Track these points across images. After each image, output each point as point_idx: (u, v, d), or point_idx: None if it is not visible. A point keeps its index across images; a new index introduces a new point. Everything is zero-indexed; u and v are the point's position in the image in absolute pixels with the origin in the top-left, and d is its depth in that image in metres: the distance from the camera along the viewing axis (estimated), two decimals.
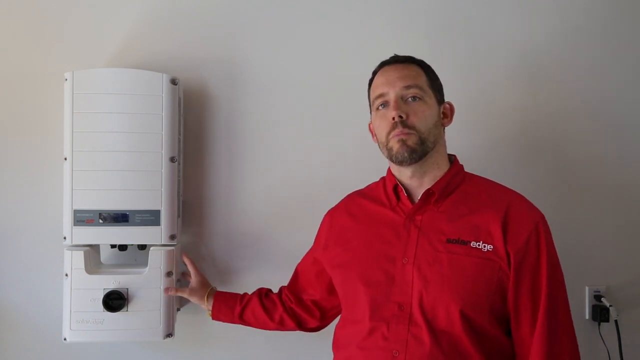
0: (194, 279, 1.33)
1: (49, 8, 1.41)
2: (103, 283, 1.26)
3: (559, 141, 1.53)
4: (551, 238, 1.04)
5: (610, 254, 1.53)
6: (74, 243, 1.27)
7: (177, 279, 1.34)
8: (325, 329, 1.28)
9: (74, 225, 1.26)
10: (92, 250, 1.30)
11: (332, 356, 1.14)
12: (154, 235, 1.28)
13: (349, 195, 1.23)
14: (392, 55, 1.13)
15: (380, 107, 1.08)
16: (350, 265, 1.10)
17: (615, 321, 1.46)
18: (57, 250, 1.33)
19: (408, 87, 1.06)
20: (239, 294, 1.30)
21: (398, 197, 1.11)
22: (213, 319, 1.29)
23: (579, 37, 1.54)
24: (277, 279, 1.32)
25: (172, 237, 1.30)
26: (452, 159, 1.13)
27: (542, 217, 1.05)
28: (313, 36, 1.48)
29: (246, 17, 1.47)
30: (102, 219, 1.26)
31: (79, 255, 1.26)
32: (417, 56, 1.13)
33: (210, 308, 1.29)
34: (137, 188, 1.28)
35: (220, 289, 1.36)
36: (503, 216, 1.02)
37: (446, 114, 1.12)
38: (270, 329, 1.28)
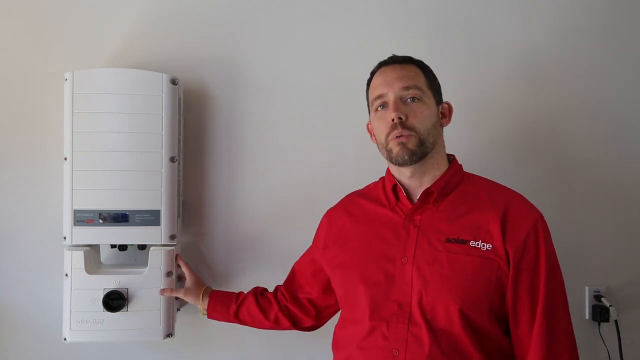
0: (188, 279, 1.33)
1: (49, 8, 1.41)
2: (103, 283, 1.26)
3: (559, 141, 1.53)
4: (550, 237, 1.04)
5: (610, 254, 1.53)
6: (74, 243, 1.27)
7: (178, 278, 1.34)
8: (323, 328, 1.28)
9: (74, 225, 1.26)
10: (92, 250, 1.30)
11: (332, 356, 1.14)
12: (154, 235, 1.28)
13: (348, 196, 1.23)
14: (390, 55, 1.13)
15: (379, 108, 1.08)
16: (350, 265, 1.10)
17: (615, 321, 1.46)
18: (57, 250, 1.33)
19: (407, 88, 1.06)
20: (234, 293, 1.30)
21: (397, 197, 1.11)
22: (208, 317, 1.29)
23: (579, 37, 1.54)
24: (277, 279, 1.32)
25: (172, 237, 1.30)
26: (450, 158, 1.13)
27: (541, 216, 1.05)
28: (313, 36, 1.48)
29: (246, 17, 1.47)
30: (102, 219, 1.26)
31: (79, 255, 1.26)
32: (417, 56, 1.13)
33: (206, 307, 1.28)
34: (137, 188, 1.28)
35: (220, 288, 1.36)
36: (502, 215, 1.02)
37: (444, 113, 1.12)
38: (265, 328, 1.28)
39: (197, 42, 1.45)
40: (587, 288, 1.52)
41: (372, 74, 1.13)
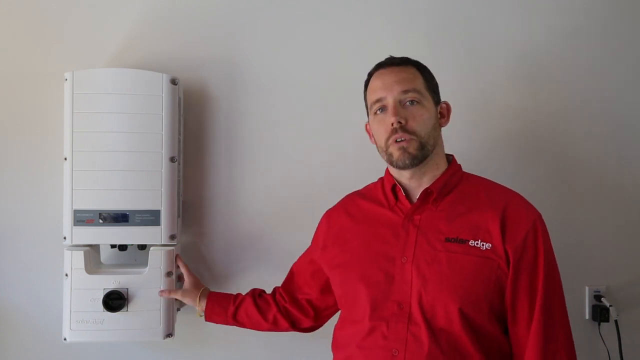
0: (186, 280, 1.32)
1: (49, 8, 1.41)
2: (103, 283, 1.26)
3: (559, 141, 1.53)
4: (548, 236, 1.05)
5: (610, 254, 1.53)
6: (74, 243, 1.27)
7: (178, 278, 1.34)
8: (322, 329, 1.28)
9: (74, 225, 1.26)
10: (92, 250, 1.30)
11: (331, 357, 1.14)
12: (154, 235, 1.28)
13: (347, 196, 1.23)
14: (388, 56, 1.13)
15: (378, 112, 1.08)
16: (350, 266, 1.10)
17: (615, 321, 1.46)
18: (57, 250, 1.33)
19: (406, 92, 1.05)
20: (232, 294, 1.30)
21: (396, 197, 1.11)
22: (206, 319, 1.28)
23: (579, 37, 1.54)
24: (276, 279, 1.32)
25: (172, 237, 1.30)
26: (450, 158, 1.14)
27: (539, 215, 1.05)
28: (313, 36, 1.48)
29: (246, 17, 1.47)
30: (102, 219, 1.26)
31: (79, 255, 1.26)
32: (417, 56, 1.12)
33: (204, 309, 1.28)
34: (137, 188, 1.28)
35: (219, 289, 1.36)
36: (501, 215, 1.02)
37: (443, 113, 1.12)
38: (263, 330, 1.27)
39: (197, 42, 1.45)
40: (587, 288, 1.52)
41: (370, 75, 1.13)
